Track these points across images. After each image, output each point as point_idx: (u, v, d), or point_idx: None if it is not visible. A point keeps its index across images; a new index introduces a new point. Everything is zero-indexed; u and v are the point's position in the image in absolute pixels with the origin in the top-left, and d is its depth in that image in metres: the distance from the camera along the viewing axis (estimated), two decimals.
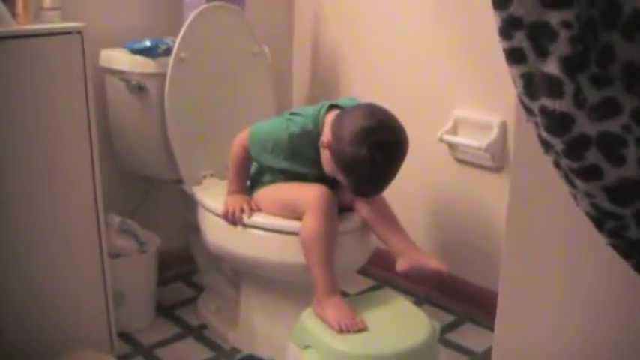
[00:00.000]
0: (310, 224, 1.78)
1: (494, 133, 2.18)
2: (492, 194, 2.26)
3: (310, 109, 1.92)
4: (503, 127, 2.18)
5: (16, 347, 1.74)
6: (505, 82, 1.97)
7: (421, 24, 2.37)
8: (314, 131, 1.87)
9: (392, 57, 2.50)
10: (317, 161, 1.88)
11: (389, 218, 1.90)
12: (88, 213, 1.88)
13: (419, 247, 1.85)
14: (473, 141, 2.22)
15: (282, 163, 1.90)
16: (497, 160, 2.21)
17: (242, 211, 1.91)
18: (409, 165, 1.91)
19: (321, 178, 1.90)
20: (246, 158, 1.96)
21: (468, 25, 2.23)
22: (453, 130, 2.31)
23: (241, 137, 1.96)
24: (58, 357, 1.79)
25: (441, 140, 2.31)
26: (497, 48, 2.01)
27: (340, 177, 1.82)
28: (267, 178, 1.98)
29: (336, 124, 1.79)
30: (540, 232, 1.21)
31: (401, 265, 1.82)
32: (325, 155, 1.84)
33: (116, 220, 2.21)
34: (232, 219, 1.92)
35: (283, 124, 1.90)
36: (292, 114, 1.93)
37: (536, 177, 1.17)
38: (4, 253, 1.74)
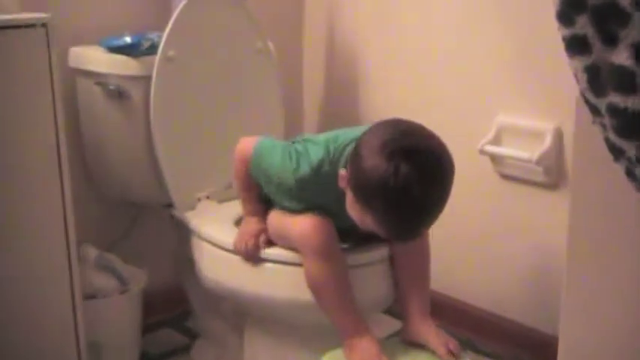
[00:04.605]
0: (312, 270, 1.66)
1: (547, 142, 2.07)
2: (546, 215, 2.13)
3: (331, 145, 1.67)
4: (558, 135, 2.07)
5: None
6: (559, 79, 1.97)
7: (456, 15, 2.27)
8: (332, 173, 1.63)
9: (421, 54, 2.38)
10: (340, 207, 1.63)
11: (419, 269, 1.74)
12: (57, 246, 1.77)
13: (431, 321, 1.72)
14: (521, 152, 2.11)
15: (293, 205, 1.73)
16: (551, 174, 2.09)
17: (256, 243, 1.78)
18: None
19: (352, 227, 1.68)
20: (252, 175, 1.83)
21: (510, 13, 2.13)
22: (496, 140, 2.19)
23: (243, 152, 1.80)
24: None
25: (482, 152, 2.18)
26: (548, 38, 1.77)
27: (368, 220, 1.53)
28: None
29: (353, 150, 1.55)
30: (607, 260, 1.19)
31: (405, 336, 1.73)
32: (349, 197, 1.57)
33: (92, 253, 2.09)
34: (245, 253, 1.79)
35: (293, 157, 1.67)
36: (307, 141, 1.73)
37: (601, 193, 1.15)
38: None
